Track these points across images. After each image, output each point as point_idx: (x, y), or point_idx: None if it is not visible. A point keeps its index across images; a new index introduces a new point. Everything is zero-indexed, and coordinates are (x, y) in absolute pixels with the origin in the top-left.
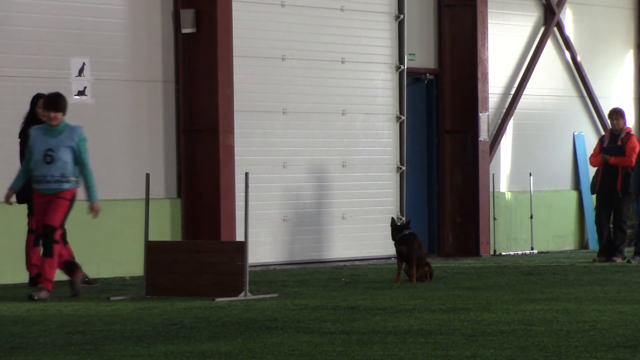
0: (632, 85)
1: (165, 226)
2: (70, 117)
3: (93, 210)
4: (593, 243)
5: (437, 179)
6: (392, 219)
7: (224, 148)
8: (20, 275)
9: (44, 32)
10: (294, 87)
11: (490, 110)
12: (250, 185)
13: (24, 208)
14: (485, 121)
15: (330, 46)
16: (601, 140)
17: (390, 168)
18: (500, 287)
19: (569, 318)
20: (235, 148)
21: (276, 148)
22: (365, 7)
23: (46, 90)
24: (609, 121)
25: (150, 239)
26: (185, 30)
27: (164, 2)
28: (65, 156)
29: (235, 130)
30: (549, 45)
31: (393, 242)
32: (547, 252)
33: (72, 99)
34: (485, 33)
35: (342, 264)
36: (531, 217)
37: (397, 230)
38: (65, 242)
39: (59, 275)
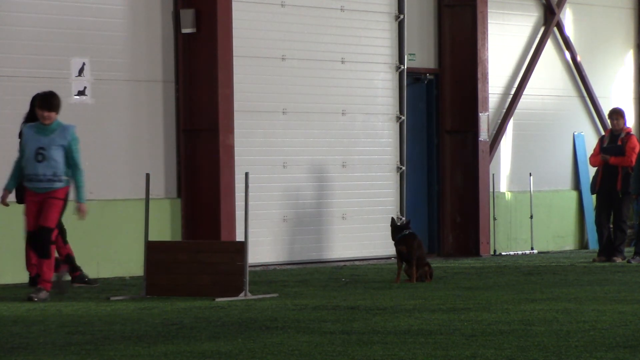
0: (632, 85)
1: (165, 226)
2: (70, 117)
3: (80, 211)
4: (593, 243)
5: (437, 179)
6: (392, 219)
7: (224, 148)
8: (20, 275)
9: (44, 32)
10: (294, 87)
11: (490, 110)
12: (250, 185)
13: (23, 208)
14: (485, 121)
15: (330, 46)
16: (601, 140)
17: (390, 168)
18: (500, 287)
19: (569, 318)
20: (235, 148)
21: (276, 148)
22: (365, 7)
23: (46, 90)
24: (609, 121)
25: (150, 239)
26: (185, 30)
27: (164, 2)
28: (57, 155)
29: (235, 130)
30: (549, 45)
31: (393, 242)
32: (547, 252)
33: (72, 99)
34: (485, 33)
35: (342, 264)
36: (531, 217)
37: (397, 230)
38: (65, 242)
39: None
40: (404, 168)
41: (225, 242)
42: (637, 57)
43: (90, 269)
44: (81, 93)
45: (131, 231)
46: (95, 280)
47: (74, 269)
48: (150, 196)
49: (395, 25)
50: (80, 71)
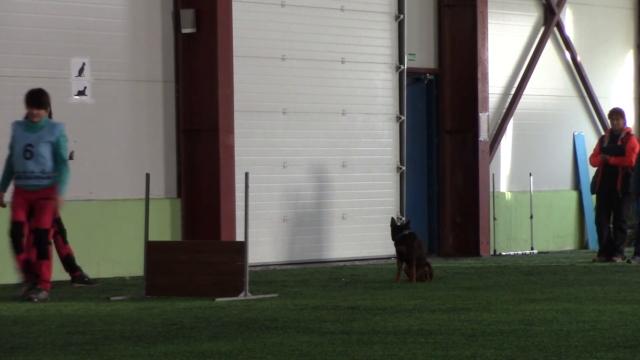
0: (632, 85)
1: (165, 226)
2: (70, 117)
3: (57, 201)
4: (593, 243)
5: (437, 179)
6: (392, 219)
7: (224, 148)
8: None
9: (44, 32)
10: (294, 87)
11: (490, 110)
12: (250, 185)
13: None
14: (485, 121)
15: (330, 46)
16: (601, 140)
17: (390, 168)
18: (500, 287)
19: (569, 318)
20: (235, 148)
21: (276, 148)
22: (365, 7)
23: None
24: (609, 121)
25: (150, 239)
26: (185, 30)
27: (164, 2)
28: (45, 152)
29: (235, 130)
30: (549, 45)
31: (393, 242)
32: (547, 252)
33: (72, 99)
34: (485, 33)
35: (342, 264)
36: (531, 217)
37: (397, 230)
38: (65, 242)
39: (60, 276)
40: (404, 168)
41: (225, 242)
42: (637, 57)
43: (90, 269)
44: (81, 93)
45: (131, 231)
46: (95, 280)
47: (74, 269)
48: (150, 196)
49: (395, 25)
50: (80, 71)
